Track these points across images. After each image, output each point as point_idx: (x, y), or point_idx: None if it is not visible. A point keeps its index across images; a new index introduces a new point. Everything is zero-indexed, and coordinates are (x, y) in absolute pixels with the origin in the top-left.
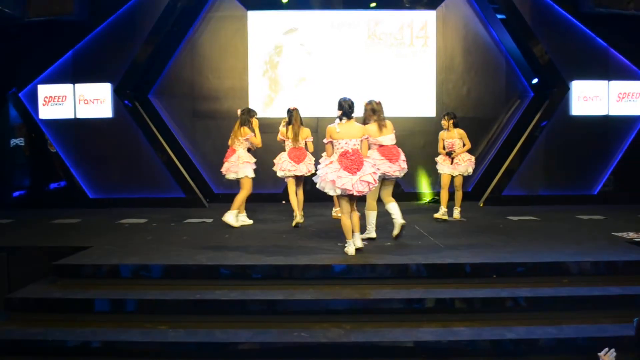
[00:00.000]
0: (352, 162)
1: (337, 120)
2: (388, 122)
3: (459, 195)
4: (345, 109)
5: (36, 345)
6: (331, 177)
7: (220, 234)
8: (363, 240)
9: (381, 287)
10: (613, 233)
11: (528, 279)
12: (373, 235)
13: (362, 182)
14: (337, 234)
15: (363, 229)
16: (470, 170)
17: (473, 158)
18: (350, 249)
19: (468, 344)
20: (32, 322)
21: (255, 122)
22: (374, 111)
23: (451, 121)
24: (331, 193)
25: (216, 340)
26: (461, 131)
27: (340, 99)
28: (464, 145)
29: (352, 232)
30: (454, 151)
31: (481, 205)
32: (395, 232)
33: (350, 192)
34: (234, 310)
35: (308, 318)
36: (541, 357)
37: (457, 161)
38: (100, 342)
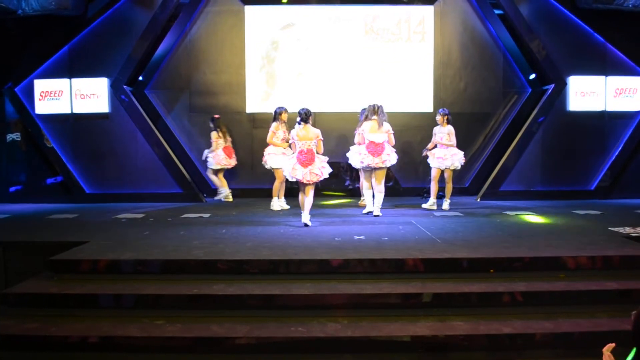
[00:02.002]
0: (305, 158)
1: (297, 126)
2: (385, 124)
3: (448, 187)
4: (302, 116)
5: (33, 340)
6: (288, 169)
7: (217, 229)
8: (365, 214)
9: (378, 281)
10: (610, 228)
11: (525, 274)
12: (371, 209)
13: (311, 173)
14: (335, 229)
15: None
16: (458, 165)
17: (461, 153)
18: (303, 219)
19: (465, 338)
20: (29, 318)
21: (284, 117)
22: (375, 112)
23: (445, 117)
24: (290, 179)
25: (213, 335)
26: (451, 128)
27: (299, 109)
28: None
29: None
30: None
31: (478, 200)
32: (365, 210)
33: (302, 181)
34: (231, 305)
35: (305, 313)
36: (538, 352)
37: (443, 155)
38: (97, 337)
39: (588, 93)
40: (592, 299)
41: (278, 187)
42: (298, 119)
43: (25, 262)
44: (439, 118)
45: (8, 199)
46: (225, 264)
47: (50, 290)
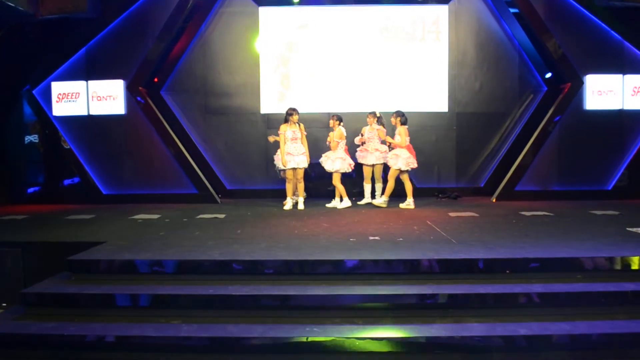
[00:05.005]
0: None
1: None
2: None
3: (378, 185)
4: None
5: (51, 339)
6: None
7: (232, 230)
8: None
9: (393, 282)
10: (628, 228)
11: (541, 275)
12: (369, 200)
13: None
14: (349, 230)
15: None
16: (400, 166)
17: (403, 157)
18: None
19: (481, 339)
20: (47, 317)
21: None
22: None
23: (398, 118)
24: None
25: (229, 335)
26: (399, 128)
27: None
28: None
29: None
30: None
31: (494, 200)
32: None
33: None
34: (247, 305)
35: (320, 313)
36: (555, 353)
37: (390, 155)
38: (114, 336)
39: (605, 92)
40: (610, 300)
41: (290, 187)
42: (375, 120)
43: (44, 262)
44: (393, 120)
45: (26, 200)
46: (241, 264)
47: (68, 290)
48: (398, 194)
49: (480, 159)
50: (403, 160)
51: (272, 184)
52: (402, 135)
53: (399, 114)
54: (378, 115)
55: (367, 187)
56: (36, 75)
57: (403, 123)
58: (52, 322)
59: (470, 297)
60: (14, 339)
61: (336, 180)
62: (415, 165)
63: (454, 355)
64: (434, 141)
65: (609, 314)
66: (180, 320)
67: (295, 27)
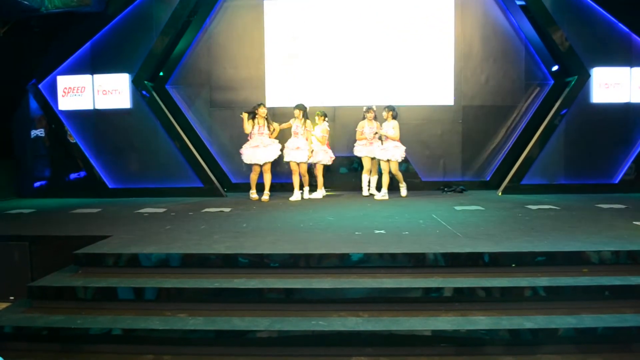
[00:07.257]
0: None
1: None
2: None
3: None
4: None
5: (58, 332)
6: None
7: (237, 223)
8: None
9: (399, 276)
10: (634, 222)
11: (547, 268)
12: (366, 194)
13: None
14: (355, 223)
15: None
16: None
17: (400, 149)
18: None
19: (486, 333)
20: (54, 310)
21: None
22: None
23: (390, 113)
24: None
25: (235, 328)
26: (393, 123)
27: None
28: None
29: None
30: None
31: (500, 194)
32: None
33: None
34: (252, 298)
35: (325, 306)
36: (560, 347)
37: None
38: (120, 329)
39: (612, 84)
40: (616, 294)
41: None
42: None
43: (50, 255)
44: (385, 114)
45: (33, 194)
46: (246, 257)
47: (75, 284)
48: (393, 188)
49: (486, 153)
50: (400, 151)
51: (277, 177)
52: (396, 128)
53: (391, 108)
54: (374, 109)
55: (365, 178)
56: (42, 70)
57: (394, 117)
58: (59, 315)
59: (476, 291)
60: (21, 332)
61: (305, 172)
62: (404, 156)
63: (459, 349)
64: (440, 134)
65: (615, 307)
66: (186, 313)
67: (301, 20)
